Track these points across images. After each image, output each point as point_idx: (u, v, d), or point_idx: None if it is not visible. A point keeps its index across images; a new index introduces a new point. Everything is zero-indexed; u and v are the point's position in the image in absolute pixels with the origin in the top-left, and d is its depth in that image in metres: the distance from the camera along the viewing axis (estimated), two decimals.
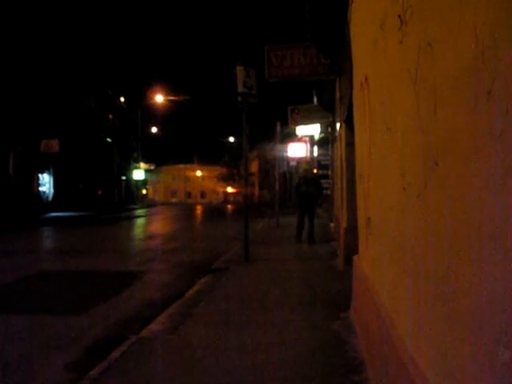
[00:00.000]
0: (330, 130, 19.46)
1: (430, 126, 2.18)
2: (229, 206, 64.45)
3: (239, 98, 11.29)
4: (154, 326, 6.49)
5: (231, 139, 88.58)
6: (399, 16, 2.76)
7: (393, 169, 3.18)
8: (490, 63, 1.53)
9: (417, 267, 2.64)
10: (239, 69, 11.19)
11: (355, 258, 6.50)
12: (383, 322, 3.55)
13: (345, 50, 8.17)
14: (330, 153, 21.07)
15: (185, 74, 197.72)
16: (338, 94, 11.41)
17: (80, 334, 6.46)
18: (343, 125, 10.12)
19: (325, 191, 21.00)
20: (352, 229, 9.61)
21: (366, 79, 4.66)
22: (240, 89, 11.23)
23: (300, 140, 33.70)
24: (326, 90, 14.37)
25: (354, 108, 6.40)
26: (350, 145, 9.76)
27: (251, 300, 7.70)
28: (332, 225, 18.51)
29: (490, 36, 1.52)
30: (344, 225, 10.05)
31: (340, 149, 11.23)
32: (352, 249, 9.69)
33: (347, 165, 9.91)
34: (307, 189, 15.12)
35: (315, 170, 24.44)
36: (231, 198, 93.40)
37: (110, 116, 56.04)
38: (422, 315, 2.57)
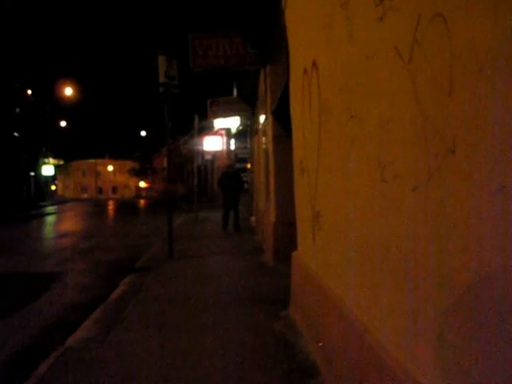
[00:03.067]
0: (249, 122, 19.22)
1: (439, 110, 1.91)
2: (142, 201, 63.17)
3: (161, 89, 10.82)
4: (81, 333, 6.00)
5: (143, 133, 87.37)
6: None
7: (365, 160, 2.91)
8: None
9: (401, 273, 2.39)
10: (161, 58, 10.71)
11: (295, 254, 6.25)
12: (350, 326, 3.28)
13: (276, 38, 7.89)
14: (248, 146, 20.84)
15: (99, 66, 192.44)
16: (262, 86, 11.14)
17: None
18: (270, 117, 9.87)
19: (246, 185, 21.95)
20: (282, 223, 9.42)
21: (315, 64, 4.39)
22: (162, 79, 10.76)
23: (216, 133, 33.38)
24: (247, 81, 14.09)
25: (292, 98, 6.15)
26: (278, 137, 9.57)
27: (182, 300, 7.31)
28: (253, 219, 18.30)
29: None
30: (272, 219, 9.82)
31: (266, 142, 10.97)
32: (282, 244, 9.52)
33: (275, 158, 9.67)
34: (229, 182, 16.49)
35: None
36: (144, 193, 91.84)
37: (17, 109, 53.44)
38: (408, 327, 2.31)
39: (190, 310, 6.73)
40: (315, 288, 4.71)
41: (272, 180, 9.90)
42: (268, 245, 10.43)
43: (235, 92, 18.30)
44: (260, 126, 13.50)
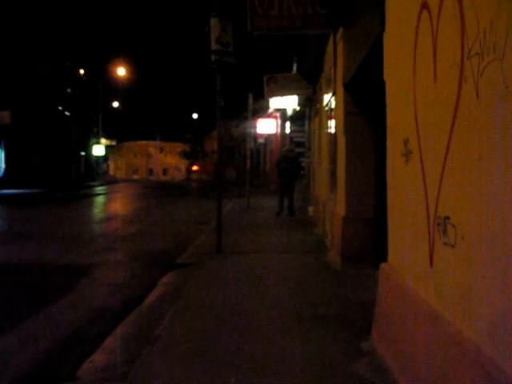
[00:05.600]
0: (308, 103, 17.54)
1: None
2: (192, 184, 62.12)
3: (213, 57, 9.30)
4: (100, 358, 4.58)
5: (195, 116, 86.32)
6: None
7: None
8: None
9: None
10: (213, 21, 9.20)
11: (384, 266, 4.65)
12: None
13: None
14: (306, 129, 19.17)
15: (151, 42, 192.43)
16: (331, 55, 9.49)
17: None
18: (341, 91, 8.24)
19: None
20: (353, 219, 7.86)
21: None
22: (214, 46, 9.25)
23: (270, 115, 31.81)
24: (310, 53, 12.41)
25: (388, 55, 4.54)
26: (351, 115, 7.99)
27: (230, 316, 5.80)
28: (310, 208, 16.69)
29: None
30: (341, 213, 8.21)
31: (335, 121, 9.33)
32: (352, 244, 7.94)
33: (346, 140, 8.05)
34: (286, 167, 16.30)
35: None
36: (194, 176, 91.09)
37: (69, 88, 52.95)
38: None
39: (239, 334, 5.18)
40: (427, 325, 3.16)
41: (342, 167, 8.29)
42: (335, 243, 8.82)
43: (295, 68, 16.62)
44: (324, 105, 11.85)
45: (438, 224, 3.09)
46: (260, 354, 4.62)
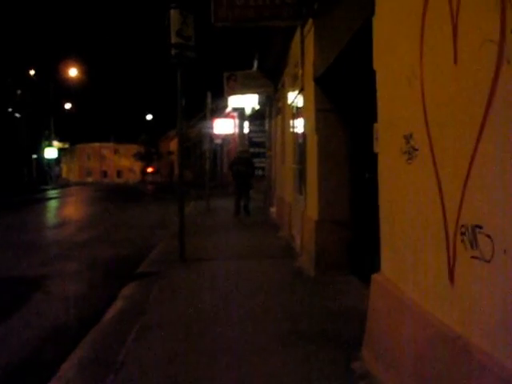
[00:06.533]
0: (269, 101, 17.02)
1: None
2: (147, 186, 60.87)
3: (173, 51, 8.69)
4: None
5: (149, 117, 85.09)
6: None
7: None
8: None
9: None
10: (174, 13, 8.59)
11: (378, 277, 4.14)
12: None
13: None
14: (266, 128, 18.65)
15: (103, 41, 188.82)
16: (297, 49, 9.01)
17: None
18: (312, 87, 7.74)
19: (259, 171, 20.89)
20: (326, 222, 7.40)
21: None
22: (174, 39, 8.64)
23: (227, 115, 31.22)
24: (273, 49, 11.89)
25: (379, 35, 4.05)
26: (323, 112, 7.51)
27: (204, 334, 5.22)
28: (273, 210, 16.19)
29: None
30: (314, 216, 7.72)
31: (305, 119, 8.83)
32: (326, 248, 7.45)
33: (319, 138, 7.56)
34: (238, 168, 16.32)
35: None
36: (149, 178, 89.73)
37: (19, 90, 51.14)
38: None
39: (212, 357, 4.60)
40: (450, 352, 2.67)
41: (313, 167, 7.80)
42: (306, 248, 8.32)
43: (256, 65, 16.06)
44: (289, 103, 11.35)
45: (463, 234, 2.59)
46: (236, 381, 4.06)
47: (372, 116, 5.79)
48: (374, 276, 4.17)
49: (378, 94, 4.12)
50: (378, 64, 4.14)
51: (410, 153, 3.33)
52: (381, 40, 4.05)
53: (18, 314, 6.41)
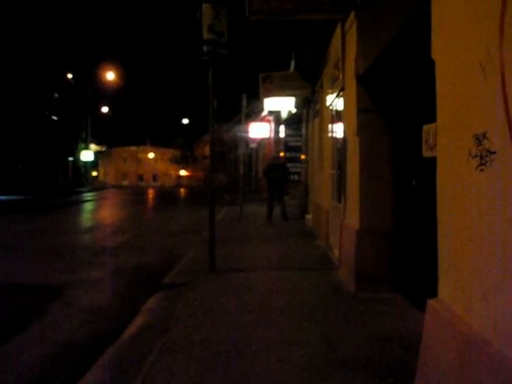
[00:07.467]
0: (306, 104, 16.39)
1: None
2: (182, 190, 60.69)
3: (205, 48, 8.17)
4: None
5: (185, 121, 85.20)
6: None
7: None
8: None
9: None
10: (206, 7, 8.07)
11: (435, 304, 3.48)
12: None
13: None
14: (303, 132, 18.02)
15: (139, 49, 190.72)
16: (337, 47, 8.40)
17: None
18: (354, 85, 7.13)
19: (292, 176, 21.66)
20: (369, 233, 6.76)
21: None
22: (206, 35, 8.12)
23: (263, 119, 30.73)
24: (311, 47, 11.26)
25: (443, 20, 3.42)
26: (365, 112, 6.90)
27: (231, 358, 4.63)
28: (309, 217, 15.55)
29: None
30: (354, 226, 7.09)
31: (344, 120, 8.21)
32: (368, 261, 6.81)
33: (360, 141, 6.94)
34: (275, 176, 16.32)
35: (282, 154, 23.21)
36: (184, 182, 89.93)
37: (56, 93, 51.51)
38: None
39: None
40: None
41: (354, 173, 7.17)
42: (345, 260, 7.68)
43: (292, 65, 15.45)
44: (327, 106, 10.73)
45: None
46: None
47: (420, 116, 5.13)
48: (431, 302, 3.52)
49: (438, 88, 3.48)
50: (437, 52, 3.50)
51: (483, 157, 2.69)
52: (442, 23, 3.41)
53: (32, 327, 5.94)
